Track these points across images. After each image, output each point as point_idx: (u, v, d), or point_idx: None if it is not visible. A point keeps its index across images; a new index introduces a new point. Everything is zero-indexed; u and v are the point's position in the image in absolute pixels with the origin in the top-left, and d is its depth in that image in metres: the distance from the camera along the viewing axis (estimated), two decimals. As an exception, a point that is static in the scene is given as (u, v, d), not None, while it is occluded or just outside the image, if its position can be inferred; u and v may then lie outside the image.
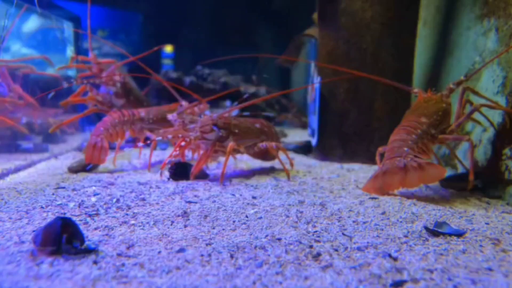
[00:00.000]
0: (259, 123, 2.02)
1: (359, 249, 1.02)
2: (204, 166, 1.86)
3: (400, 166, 1.49)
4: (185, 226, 1.19)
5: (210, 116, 1.81)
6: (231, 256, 0.96)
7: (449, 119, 1.71)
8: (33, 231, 1.10)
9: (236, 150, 1.86)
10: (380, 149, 1.77)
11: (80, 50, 3.18)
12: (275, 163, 2.15)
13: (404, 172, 1.48)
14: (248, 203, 1.43)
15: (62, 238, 0.95)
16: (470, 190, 1.62)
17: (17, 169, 2.05)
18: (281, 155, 2.03)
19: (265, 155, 2.04)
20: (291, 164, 2.06)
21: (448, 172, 1.81)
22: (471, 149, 1.53)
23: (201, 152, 1.83)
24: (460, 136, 1.59)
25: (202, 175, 1.84)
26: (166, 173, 1.83)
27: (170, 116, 1.86)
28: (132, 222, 1.21)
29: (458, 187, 1.70)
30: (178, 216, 1.27)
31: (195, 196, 1.52)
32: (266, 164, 2.26)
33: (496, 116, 1.66)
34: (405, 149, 1.54)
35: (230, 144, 1.74)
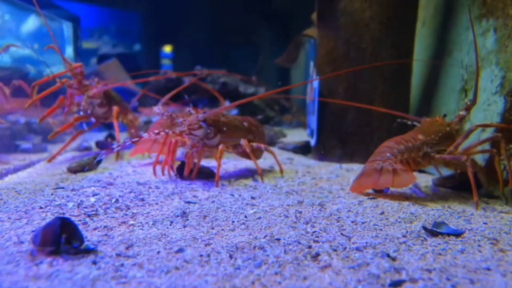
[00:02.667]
0: (246, 122, 1.99)
1: (357, 249, 1.02)
2: (203, 163, 1.86)
3: (377, 168, 1.54)
4: (184, 226, 1.19)
5: (198, 114, 1.79)
6: (230, 256, 0.97)
7: (451, 144, 1.66)
8: (32, 231, 1.10)
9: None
10: None
11: (79, 50, 3.18)
12: (273, 163, 2.15)
13: (378, 174, 1.53)
14: (247, 203, 1.43)
15: (61, 238, 0.95)
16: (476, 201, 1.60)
17: (16, 169, 2.05)
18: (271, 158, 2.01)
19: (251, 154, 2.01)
20: (281, 170, 2.01)
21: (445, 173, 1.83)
22: (470, 169, 1.49)
23: (186, 146, 1.81)
24: (458, 156, 1.57)
25: (211, 174, 1.85)
26: (173, 172, 1.84)
27: (155, 109, 1.88)
28: (131, 222, 1.21)
29: (451, 184, 1.74)
30: (177, 216, 1.27)
31: (194, 196, 1.52)
32: (265, 164, 2.26)
33: (495, 116, 1.67)
34: (388, 154, 1.58)
35: (221, 147, 1.73)
